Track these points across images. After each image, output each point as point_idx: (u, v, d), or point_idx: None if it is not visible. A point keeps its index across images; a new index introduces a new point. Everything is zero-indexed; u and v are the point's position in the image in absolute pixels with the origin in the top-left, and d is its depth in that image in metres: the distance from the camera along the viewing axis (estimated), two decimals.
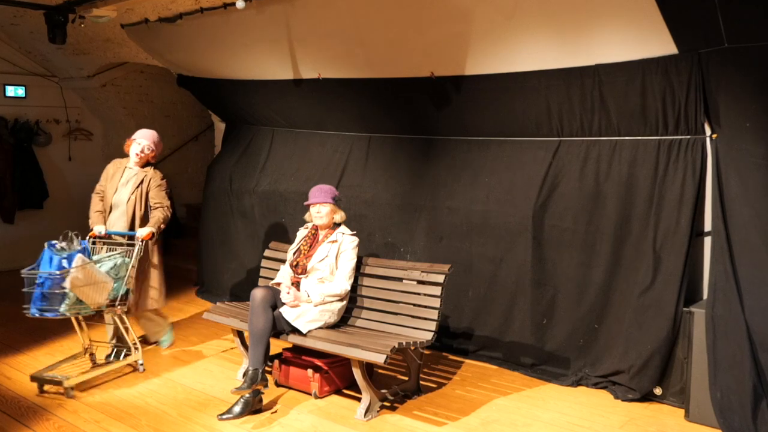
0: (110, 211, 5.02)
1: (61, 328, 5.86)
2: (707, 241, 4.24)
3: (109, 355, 4.90)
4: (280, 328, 4.28)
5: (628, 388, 4.39)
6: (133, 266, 4.72)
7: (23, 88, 8.31)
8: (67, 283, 4.21)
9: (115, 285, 4.60)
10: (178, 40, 6.54)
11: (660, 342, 4.24)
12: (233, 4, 5.12)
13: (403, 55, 5.15)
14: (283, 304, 4.35)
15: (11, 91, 8.20)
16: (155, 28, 6.50)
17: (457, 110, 5.22)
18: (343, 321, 4.56)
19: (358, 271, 4.62)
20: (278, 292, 4.43)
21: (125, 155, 5.11)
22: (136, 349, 4.79)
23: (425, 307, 4.34)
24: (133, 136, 5.09)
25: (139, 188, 4.98)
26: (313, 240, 4.60)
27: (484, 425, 4.01)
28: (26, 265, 4.26)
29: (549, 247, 4.79)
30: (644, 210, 4.41)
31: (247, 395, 4.07)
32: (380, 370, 4.76)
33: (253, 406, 4.11)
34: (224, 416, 4.03)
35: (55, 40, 5.68)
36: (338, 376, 4.47)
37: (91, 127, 9.08)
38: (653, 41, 3.99)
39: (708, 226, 4.23)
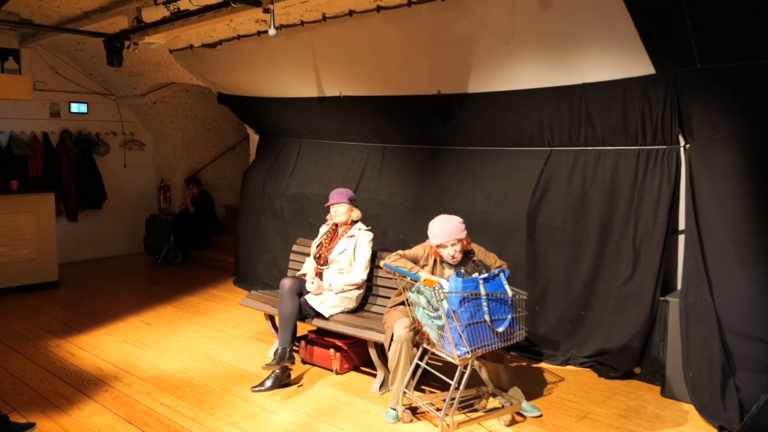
0: None
1: (119, 311, 5.92)
2: (681, 239, 4.19)
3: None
4: (305, 312, 4.29)
5: (611, 367, 4.35)
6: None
7: (85, 105, 8.42)
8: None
9: None
10: (218, 63, 6.57)
11: (639, 327, 4.21)
12: (266, 31, 5.13)
13: (413, 76, 5.14)
14: (308, 292, 4.36)
15: (75, 107, 8.32)
16: (199, 53, 6.54)
17: (460, 123, 5.19)
18: (360, 307, 4.55)
19: (373, 264, 4.61)
20: (304, 281, 4.43)
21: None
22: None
23: None
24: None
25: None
26: (333, 235, 4.60)
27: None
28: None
29: (541, 243, 4.75)
30: (625, 211, 4.36)
31: (277, 371, 4.08)
32: None
33: (282, 381, 4.11)
34: (257, 389, 4.05)
35: (113, 64, 5.72)
36: (356, 355, 4.47)
37: (143, 138, 9.17)
38: (633, 63, 3.94)
39: (682, 225, 4.17)
